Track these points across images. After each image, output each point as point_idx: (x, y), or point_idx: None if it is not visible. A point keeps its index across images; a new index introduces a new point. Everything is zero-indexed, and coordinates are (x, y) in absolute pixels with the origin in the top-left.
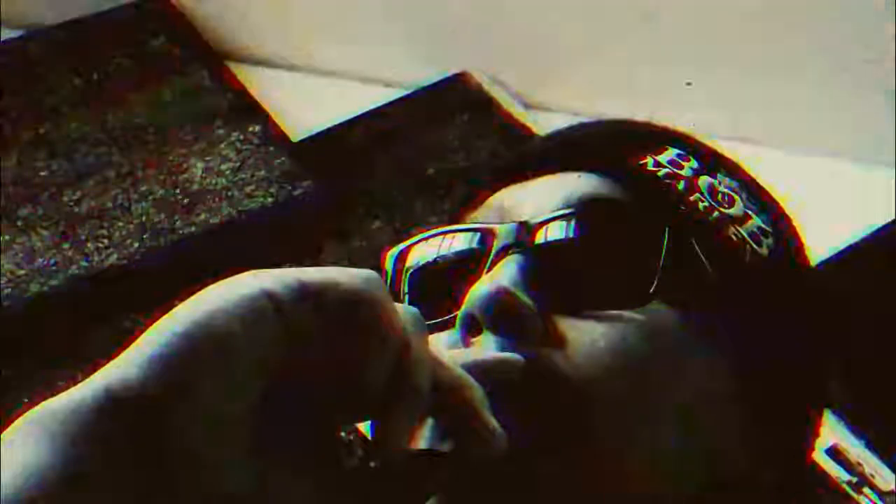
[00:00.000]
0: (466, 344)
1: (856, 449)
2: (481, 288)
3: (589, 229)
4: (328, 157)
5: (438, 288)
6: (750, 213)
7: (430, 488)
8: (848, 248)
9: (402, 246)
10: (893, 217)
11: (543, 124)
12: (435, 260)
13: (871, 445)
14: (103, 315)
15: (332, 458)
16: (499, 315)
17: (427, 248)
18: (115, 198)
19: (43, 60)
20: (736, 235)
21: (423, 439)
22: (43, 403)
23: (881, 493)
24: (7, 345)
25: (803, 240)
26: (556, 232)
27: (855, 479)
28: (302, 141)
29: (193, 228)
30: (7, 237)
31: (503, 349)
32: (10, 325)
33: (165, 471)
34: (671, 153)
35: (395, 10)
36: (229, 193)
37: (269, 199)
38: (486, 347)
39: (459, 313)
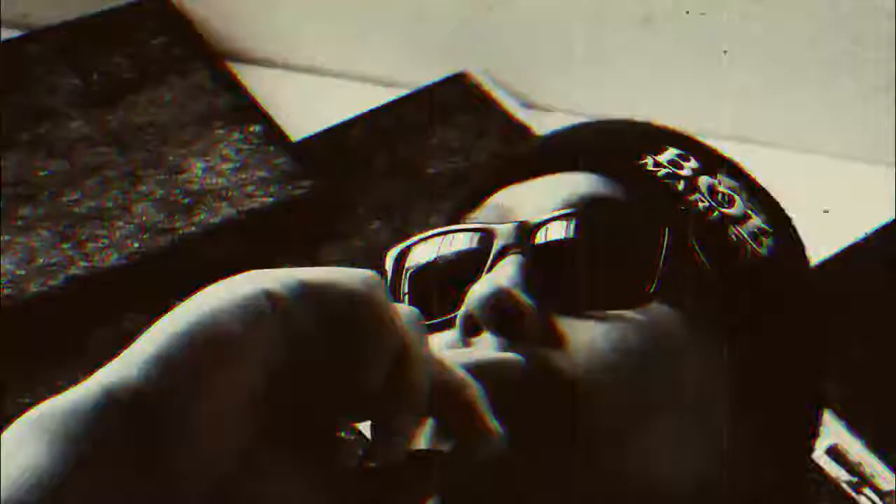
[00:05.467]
0: (466, 344)
1: (856, 449)
2: (481, 288)
3: (589, 229)
4: (328, 157)
5: (438, 288)
6: (750, 213)
7: (430, 488)
8: (848, 248)
9: (402, 246)
10: (893, 217)
11: (543, 124)
12: (435, 260)
13: (871, 445)
14: (103, 315)
15: (332, 458)
16: (499, 315)
17: (427, 248)
18: (115, 198)
19: (43, 60)
20: (736, 235)
21: (423, 439)
22: (43, 403)
23: (881, 493)
24: (7, 345)
25: (803, 240)
26: (556, 232)
27: (855, 479)
28: (302, 141)
29: (193, 228)
30: (7, 237)
31: (503, 349)
32: (10, 325)
33: (165, 471)
34: (671, 153)
35: (394, 10)
36: (229, 193)
37: (269, 199)
38: (486, 347)
39: (459, 313)
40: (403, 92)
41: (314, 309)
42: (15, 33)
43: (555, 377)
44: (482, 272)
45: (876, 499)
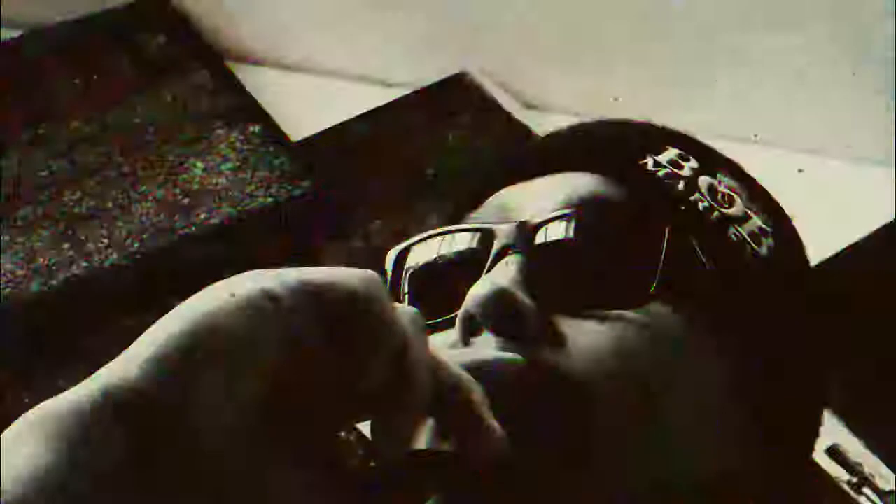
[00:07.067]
0: (466, 344)
1: (856, 449)
2: (481, 288)
3: (589, 229)
4: (328, 157)
5: (438, 288)
6: (750, 213)
7: (430, 488)
8: (848, 248)
9: (402, 246)
10: (893, 217)
11: (543, 124)
12: (435, 260)
13: (871, 445)
14: (103, 315)
15: (332, 458)
16: (499, 315)
17: (427, 248)
18: (115, 198)
19: (43, 60)
20: (736, 235)
21: (423, 439)
22: (43, 403)
23: (881, 493)
24: (7, 345)
25: (803, 240)
26: (556, 232)
27: (855, 479)
28: (302, 141)
29: (193, 228)
30: (7, 237)
31: (503, 349)
32: (10, 325)
33: (165, 471)
34: (671, 153)
35: (395, 10)
36: (229, 193)
37: (269, 199)
38: (486, 347)
39: (459, 313)
40: (403, 92)
41: (314, 308)
42: (15, 33)
43: (555, 377)
44: (482, 272)
45: (876, 499)
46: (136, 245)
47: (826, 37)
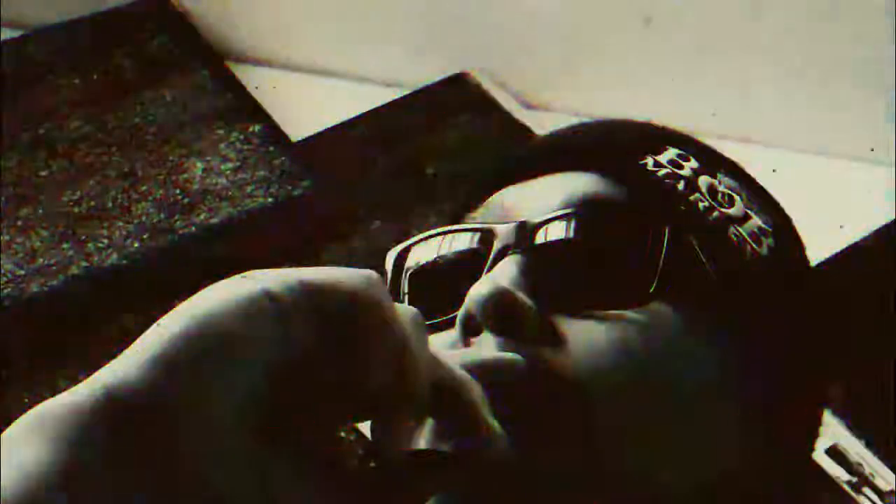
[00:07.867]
0: (466, 344)
1: (856, 449)
2: (481, 288)
3: (589, 229)
4: (328, 157)
5: (438, 288)
6: (750, 213)
7: (430, 488)
8: (848, 248)
9: (402, 246)
10: (893, 217)
11: (543, 124)
12: (435, 260)
13: (871, 445)
14: (103, 315)
15: (332, 459)
16: (499, 315)
17: (427, 248)
18: (115, 198)
19: (43, 60)
20: (736, 235)
21: (423, 439)
22: (43, 404)
23: (881, 493)
24: (7, 345)
25: (803, 240)
26: (556, 232)
27: (855, 479)
28: (302, 141)
29: (193, 228)
30: (7, 237)
31: (503, 349)
32: (10, 325)
33: (165, 472)
34: (671, 153)
35: (394, 9)
36: (229, 193)
37: (269, 199)
38: (486, 347)
39: (459, 313)
40: (403, 92)
41: (315, 309)
42: (15, 33)
43: (555, 377)
44: (482, 272)
45: (876, 499)
46: (136, 245)
47: (826, 36)
